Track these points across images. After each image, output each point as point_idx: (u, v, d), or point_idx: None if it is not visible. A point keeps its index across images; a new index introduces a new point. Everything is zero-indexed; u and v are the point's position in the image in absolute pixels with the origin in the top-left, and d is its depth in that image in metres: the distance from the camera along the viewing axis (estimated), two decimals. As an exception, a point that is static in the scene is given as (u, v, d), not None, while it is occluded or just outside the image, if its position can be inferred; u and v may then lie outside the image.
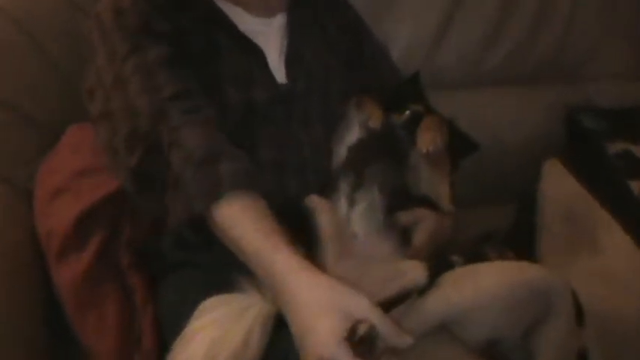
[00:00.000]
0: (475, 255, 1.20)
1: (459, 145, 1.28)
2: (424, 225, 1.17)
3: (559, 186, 1.47)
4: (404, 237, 1.16)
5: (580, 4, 1.74)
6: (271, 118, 1.20)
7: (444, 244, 1.22)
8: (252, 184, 1.01)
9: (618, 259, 1.30)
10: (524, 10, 1.71)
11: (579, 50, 1.76)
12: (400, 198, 1.16)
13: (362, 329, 0.84)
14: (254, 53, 1.21)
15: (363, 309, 0.87)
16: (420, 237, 1.17)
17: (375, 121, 1.21)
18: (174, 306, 1.10)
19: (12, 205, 1.24)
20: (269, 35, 1.25)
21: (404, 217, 1.16)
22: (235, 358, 0.94)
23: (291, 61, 1.25)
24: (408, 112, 1.23)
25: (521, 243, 1.43)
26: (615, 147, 1.57)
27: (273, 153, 1.19)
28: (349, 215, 1.13)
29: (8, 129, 1.33)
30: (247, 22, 1.22)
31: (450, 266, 1.12)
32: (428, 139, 1.15)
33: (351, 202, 1.14)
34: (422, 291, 1.06)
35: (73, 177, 1.25)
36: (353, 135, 1.23)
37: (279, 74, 1.24)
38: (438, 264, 1.13)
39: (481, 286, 1.03)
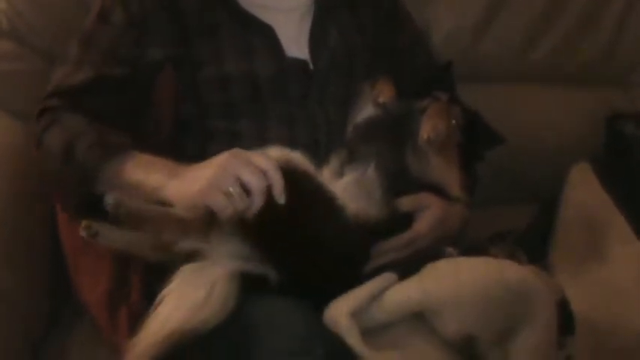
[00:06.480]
0: (475, 250, 1.18)
1: (482, 138, 1.27)
2: (428, 213, 1.16)
3: (584, 191, 1.42)
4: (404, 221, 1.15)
5: (633, 5, 1.65)
6: (282, 94, 1.20)
7: (453, 232, 1.21)
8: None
9: (627, 271, 1.25)
10: (574, 6, 1.64)
11: (629, 54, 1.68)
12: (401, 181, 1.15)
13: None
14: (257, 28, 1.21)
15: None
16: (421, 224, 1.15)
17: (384, 97, 1.20)
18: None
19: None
20: (285, 11, 1.24)
21: (406, 201, 1.15)
22: (194, 311, 0.96)
23: (315, 38, 1.25)
24: (429, 99, 1.21)
25: (535, 245, 1.39)
26: (654, 158, 1.50)
27: (283, 130, 1.20)
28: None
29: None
30: None
31: (440, 256, 1.11)
32: (429, 126, 1.14)
33: (338, 174, 1.13)
34: (403, 276, 1.06)
35: None
36: (364, 114, 1.23)
37: (298, 51, 1.24)
38: (429, 252, 1.14)
39: (459, 280, 1.02)
